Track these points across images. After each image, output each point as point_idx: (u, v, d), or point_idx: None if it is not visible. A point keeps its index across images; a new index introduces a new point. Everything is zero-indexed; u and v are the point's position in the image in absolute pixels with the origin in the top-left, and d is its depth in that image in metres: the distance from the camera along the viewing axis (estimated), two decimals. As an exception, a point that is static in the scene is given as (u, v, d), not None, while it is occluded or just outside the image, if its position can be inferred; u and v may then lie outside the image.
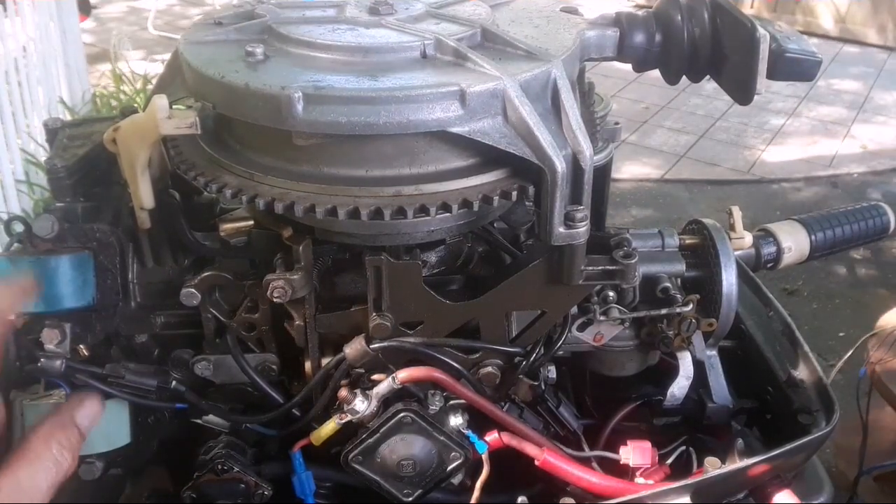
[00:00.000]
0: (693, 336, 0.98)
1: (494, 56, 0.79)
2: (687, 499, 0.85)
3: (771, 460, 0.88)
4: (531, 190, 0.78)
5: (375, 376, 0.87)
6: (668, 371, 1.00)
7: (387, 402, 0.87)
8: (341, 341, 0.88)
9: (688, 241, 1.02)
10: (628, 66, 0.95)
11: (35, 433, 0.68)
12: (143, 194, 0.82)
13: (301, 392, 0.90)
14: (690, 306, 0.94)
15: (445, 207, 0.76)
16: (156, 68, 4.70)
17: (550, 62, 0.78)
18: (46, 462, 0.66)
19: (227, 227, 0.88)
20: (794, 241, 1.23)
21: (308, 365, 0.90)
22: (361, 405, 0.85)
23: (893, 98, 5.59)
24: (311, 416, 0.90)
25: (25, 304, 0.81)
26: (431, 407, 0.87)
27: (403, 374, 0.85)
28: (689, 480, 0.86)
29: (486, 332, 0.88)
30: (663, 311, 0.94)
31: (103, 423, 0.87)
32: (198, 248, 0.89)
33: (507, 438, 0.89)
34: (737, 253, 1.09)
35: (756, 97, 0.85)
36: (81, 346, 0.87)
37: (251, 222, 0.88)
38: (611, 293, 0.94)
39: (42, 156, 3.52)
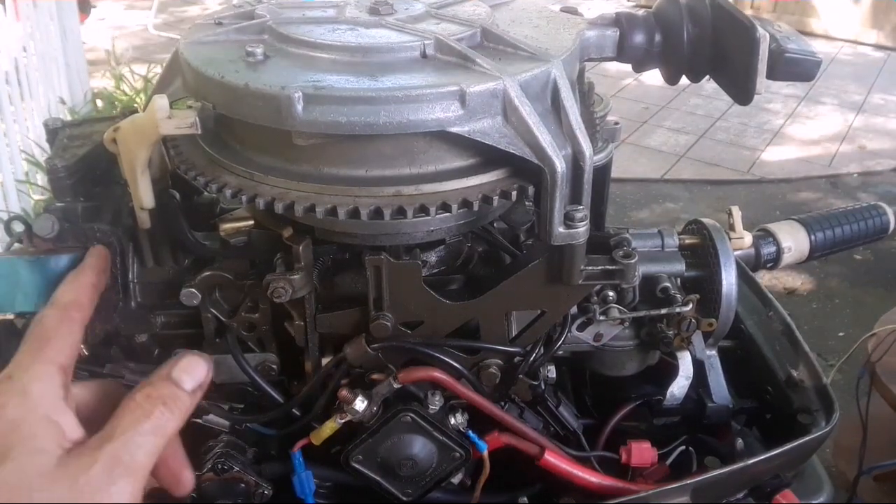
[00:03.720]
0: (693, 336, 0.98)
1: (494, 56, 0.79)
2: (687, 499, 0.85)
3: (771, 460, 0.88)
4: (531, 190, 0.78)
5: (375, 376, 0.87)
6: (668, 371, 1.00)
7: (387, 402, 0.87)
8: (341, 341, 0.88)
9: (687, 241, 1.02)
10: (628, 66, 0.95)
11: (130, 399, 0.63)
12: (143, 194, 0.82)
13: (301, 392, 0.90)
14: (690, 306, 0.94)
15: (445, 207, 0.76)
16: (155, 68, 4.69)
17: (550, 62, 0.78)
18: (145, 431, 0.60)
19: (227, 227, 0.88)
20: (793, 241, 1.23)
21: (308, 365, 0.90)
22: (361, 405, 0.84)
23: (892, 98, 5.59)
24: (311, 416, 0.90)
25: (26, 304, 0.81)
26: (431, 407, 0.87)
27: (403, 374, 0.85)
28: (689, 480, 0.86)
29: (486, 332, 0.88)
30: (663, 311, 0.94)
31: None
32: (198, 248, 0.89)
33: (507, 438, 0.89)
34: (736, 253, 1.09)
35: (756, 97, 0.85)
36: (82, 346, 0.87)
37: (251, 222, 0.88)
38: (610, 293, 0.94)
39: (42, 156, 3.52)
